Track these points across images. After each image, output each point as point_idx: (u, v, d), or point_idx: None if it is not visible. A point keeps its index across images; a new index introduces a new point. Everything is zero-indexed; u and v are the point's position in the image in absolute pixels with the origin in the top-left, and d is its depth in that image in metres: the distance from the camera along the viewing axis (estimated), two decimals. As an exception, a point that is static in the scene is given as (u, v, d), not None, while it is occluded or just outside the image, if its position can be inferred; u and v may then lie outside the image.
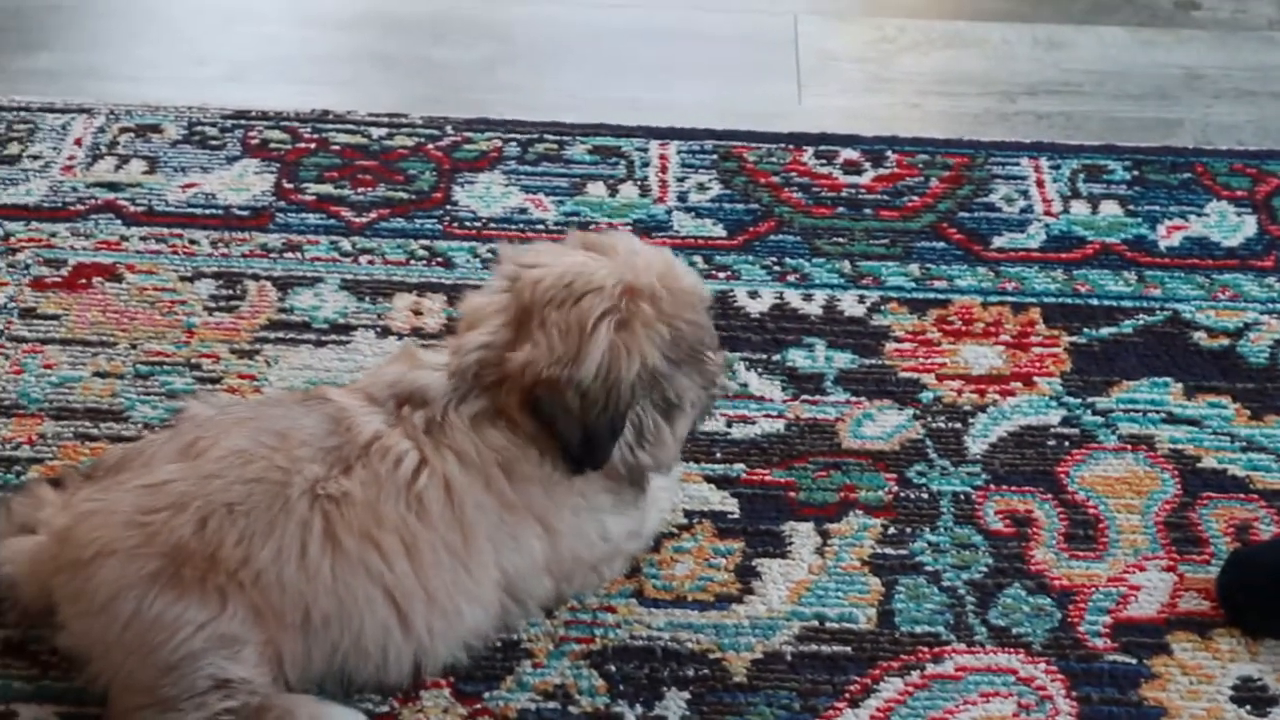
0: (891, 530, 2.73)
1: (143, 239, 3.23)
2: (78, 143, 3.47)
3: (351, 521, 2.29)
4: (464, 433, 2.37)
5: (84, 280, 3.12)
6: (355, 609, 2.30)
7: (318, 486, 2.29)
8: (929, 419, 2.92)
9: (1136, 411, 2.94)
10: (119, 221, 3.27)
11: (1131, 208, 3.40)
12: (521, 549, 2.42)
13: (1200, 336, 3.09)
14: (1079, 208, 3.40)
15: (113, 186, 3.36)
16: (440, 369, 2.42)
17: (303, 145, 3.49)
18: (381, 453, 2.34)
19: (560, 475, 2.41)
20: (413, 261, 3.20)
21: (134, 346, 2.99)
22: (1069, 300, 3.17)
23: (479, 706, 2.45)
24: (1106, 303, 3.16)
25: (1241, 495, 2.80)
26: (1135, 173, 3.49)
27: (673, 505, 2.72)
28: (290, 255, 3.21)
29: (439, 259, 3.21)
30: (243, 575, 2.25)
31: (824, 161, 3.50)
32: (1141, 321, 3.12)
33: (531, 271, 2.41)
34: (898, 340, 3.07)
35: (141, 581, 2.23)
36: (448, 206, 3.34)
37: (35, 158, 3.42)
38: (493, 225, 3.30)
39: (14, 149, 3.44)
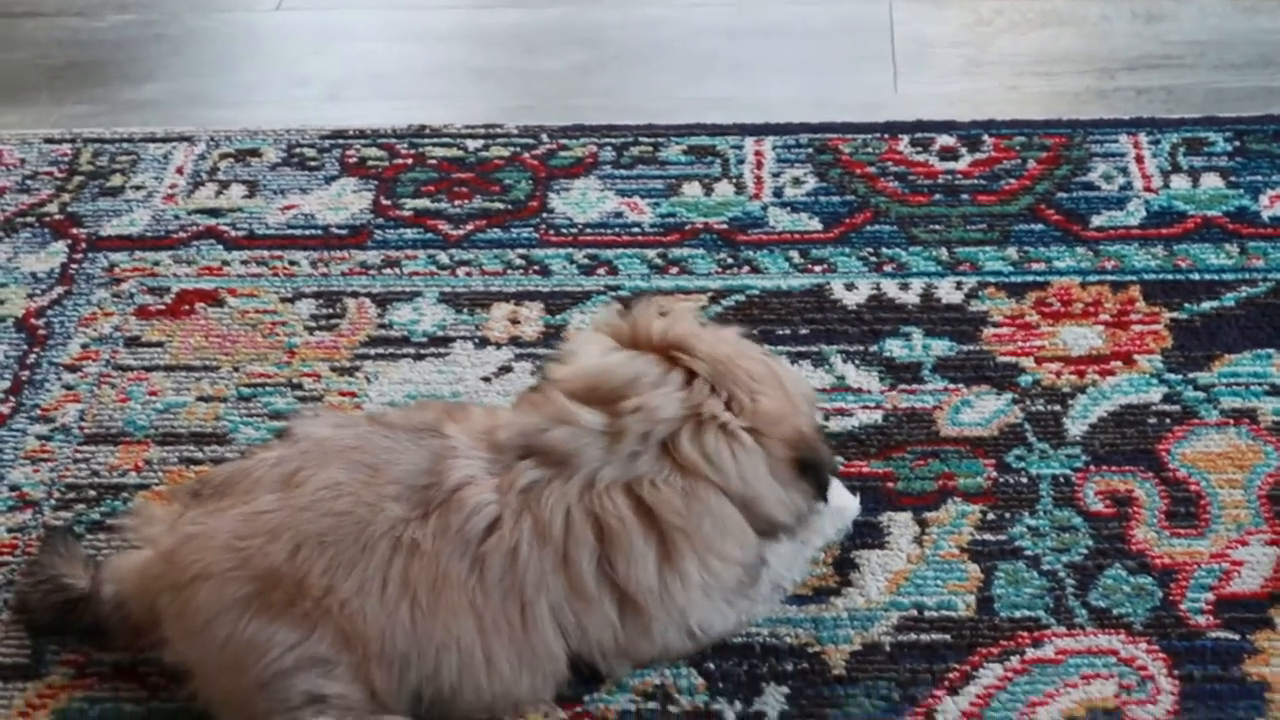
0: (990, 516, 2.71)
1: (243, 263, 3.28)
2: (179, 171, 3.53)
3: (421, 571, 2.30)
4: (612, 500, 2.35)
5: (187, 307, 3.18)
6: (429, 652, 2.32)
7: (396, 529, 2.31)
8: (1028, 403, 2.90)
9: (1239, 385, 2.91)
10: (220, 247, 3.32)
11: (1233, 179, 3.36)
12: (588, 638, 2.41)
13: (1304, 306, 3.05)
14: (1179, 182, 3.36)
15: (214, 212, 3.41)
16: (600, 431, 2.38)
17: (400, 161, 3.52)
18: (460, 504, 2.34)
19: (738, 538, 2.44)
20: (509, 271, 3.23)
21: (236, 369, 3.04)
22: (1169, 276, 3.13)
23: (579, 710, 2.46)
24: (1208, 277, 3.12)
25: (1345, 465, 2.76)
26: (1237, 143, 3.44)
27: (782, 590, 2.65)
28: (388, 271, 3.24)
29: (535, 267, 3.23)
30: (329, 602, 2.28)
31: (920, 149, 3.48)
32: (1244, 294, 3.08)
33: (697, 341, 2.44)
34: (995, 325, 3.05)
35: (236, 604, 2.28)
36: (544, 214, 3.37)
37: (138, 188, 3.48)
38: (589, 231, 3.32)
39: (117, 180, 3.51)
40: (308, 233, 3.35)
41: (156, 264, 3.29)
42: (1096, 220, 3.27)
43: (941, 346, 3.01)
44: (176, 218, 3.40)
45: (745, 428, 2.40)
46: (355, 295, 3.19)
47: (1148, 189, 3.34)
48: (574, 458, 2.36)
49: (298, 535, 2.30)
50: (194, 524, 2.37)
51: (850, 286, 3.15)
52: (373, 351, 3.07)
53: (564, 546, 2.33)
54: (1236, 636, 2.51)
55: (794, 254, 3.23)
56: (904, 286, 3.14)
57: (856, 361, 3.00)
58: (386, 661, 2.31)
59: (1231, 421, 2.84)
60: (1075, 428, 2.85)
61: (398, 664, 2.32)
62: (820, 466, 2.50)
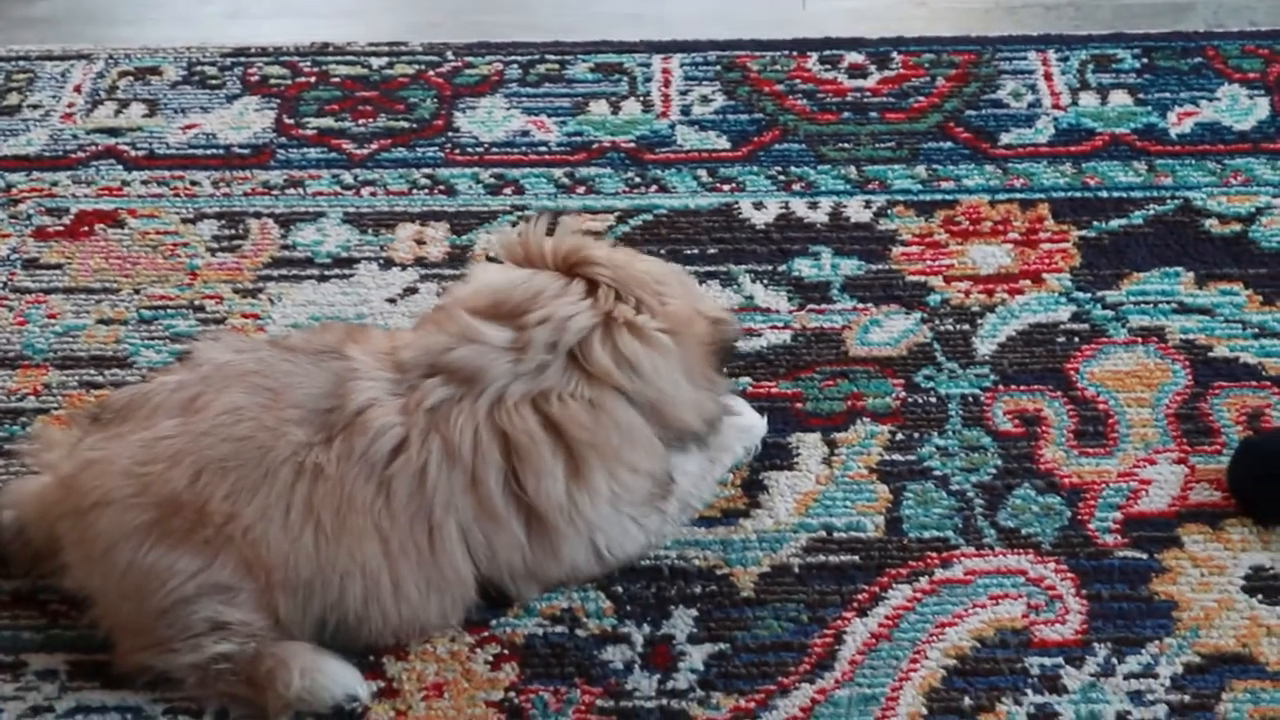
0: (899, 436, 2.71)
1: (144, 183, 3.23)
2: (77, 89, 3.46)
3: (325, 496, 2.28)
4: (520, 415, 2.32)
5: (86, 228, 3.12)
6: (334, 578, 2.30)
7: (299, 453, 2.29)
8: (937, 322, 2.89)
9: (1147, 303, 2.91)
10: (120, 167, 3.27)
11: (1141, 96, 3.35)
12: (497, 560, 2.39)
13: (1211, 224, 3.05)
14: (1088, 99, 3.35)
15: (113, 132, 3.35)
16: (505, 347, 2.35)
17: (302, 80, 3.47)
18: (364, 426, 2.31)
19: (646, 449, 2.42)
20: (415, 191, 3.19)
21: (137, 291, 3.00)
22: (1078, 194, 3.13)
23: (486, 634, 2.45)
24: (1116, 194, 3.12)
25: (1254, 383, 2.77)
26: (1145, 60, 3.44)
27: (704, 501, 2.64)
28: (292, 191, 3.20)
29: (441, 187, 3.20)
30: (231, 529, 2.26)
31: (828, 67, 3.46)
32: (1152, 211, 3.08)
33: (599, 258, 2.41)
34: (904, 244, 3.04)
35: (136, 531, 2.26)
36: (449, 133, 3.32)
37: (35, 107, 3.42)
38: (495, 150, 3.28)
39: (14, 99, 3.44)
40: (209, 152, 3.30)
41: (55, 184, 3.23)
42: (1005, 138, 3.26)
43: (850, 266, 3.00)
44: (75, 137, 3.34)
45: (660, 329, 2.38)
46: (258, 216, 3.14)
47: (1056, 106, 3.33)
48: (481, 374, 2.33)
49: (199, 461, 2.27)
50: (94, 449, 2.34)
51: (759, 205, 3.13)
52: (276, 273, 3.03)
53: (472, 466, 2.31)
54: (1144, 555, 2.52)
55: (702, 173, 3.20)
56: (813, 205, 3.13)
57: (765, 281, 2.98)
58: (290, 588, 2.30)
59: (1140, 340, 2.84)
60: (984, 347, 2.84)
61: (301, 591, 2.30)
62: (734, 346, 2.55)
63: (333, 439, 2.30)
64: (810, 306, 2.93)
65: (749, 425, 2.68)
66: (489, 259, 2.54)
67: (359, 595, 2.31)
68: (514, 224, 3.05)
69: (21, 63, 3.54)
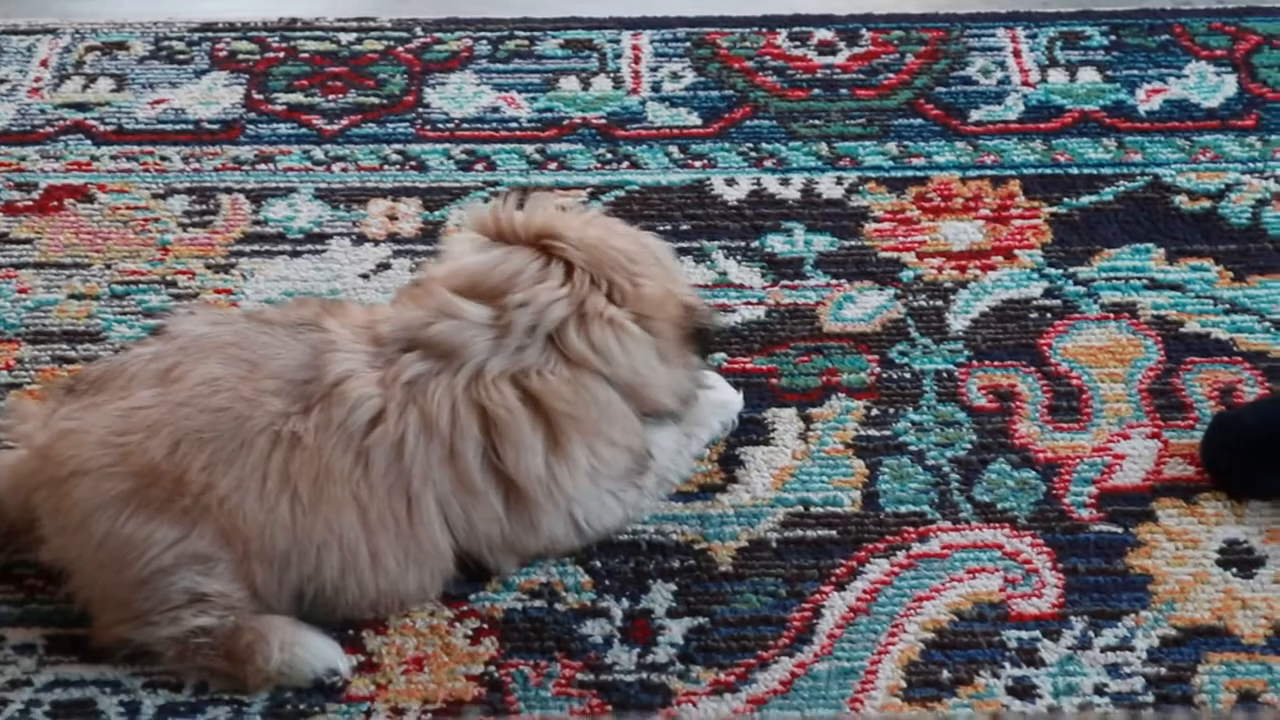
0: (875, 412, 2.72)
1: (113, 158, 3.21)
2: (44, 64, 3.44)
3: (303, 466, 2.28)
4: (499, 390, 2.33)
5: (56, 203, 3.11)
6: (311, 549, 2.30)
7: (276, 424, 2.28)
8: (910, 298, 2.90)
9: (1119, 279, 2.92)
10: (89, 142, 3.25)
11: (1110, 73, 3.37)
12: (475, 532, 2.40)
13: (1181, 200, 3.07)
14: (1057, 76, 3.36)
15: (81, 107, 3.33)
16: (484, 324, 2.35)
17: (271, 55, 3.46)
18: (342, 397, 2.31)
19: (624, 424, 2.43)
20: (386, 167, 3.18)
21: (108, 267, 2.98)
22: (1048, 170, 3.14)
23: (465, 608, 2.45)
24: (1086, 171, 3.14)
25: (1225, 358, 2.79)
26: (1113, 37, 3.45)
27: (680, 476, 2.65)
28: (262, 167, 3.19)
29: (412, 163, 3.19)
30: (208, 499, 2.25)
31: (798, 43, 3.46)
32: (1122, 188, 3.09)
33: (571, 233, 2.41)
34: (877, 220, 3.05)
35: (114, 500, 2.25)
36: (420, 109, 3.32)
37: (1, 81, 3.39)
38: (466, 126, 3.28)
39: (-20, 73, 3.42)
40: (178, 127, 3.28)
41: (23, 159, 3.21)
42: (975, 115, 3.27)
43: (823, 242, 3.01)
44: (43, 112, 3.32)
45: (632, 317, 2.38)
46: (229, 191, 3.13)
47: (1025, 83, 3.34)
48: (460, 350, 2.33)
49: (176, 431, 2.26)
50: (70, 419, 2.33)
51: (731, 182, 3.13)
52: (248, 248, 3.02)
53: (450, 439, 2.32)
54: (1119, 529, 2.54)
55: (673, 149, 3.21)
56: (784, 182, 3.13)
57: (738, 257, 2.98)
58: (267, 559, 2.29)
59: (1112, 316, 2.86)
60: (957, 323, 2.85)
61: (278, 562, 2.30)
62: (709, 331, 2.52)
63: (310, 409, 2.30)
64: (784, 283, 2.93)
65: (725, 401, 2.68)
66: (460, 232, 2.53)
67: (336, 566, 2.31)
68: (486, 200, 3.05)
69: (-13, 37, 3.52)
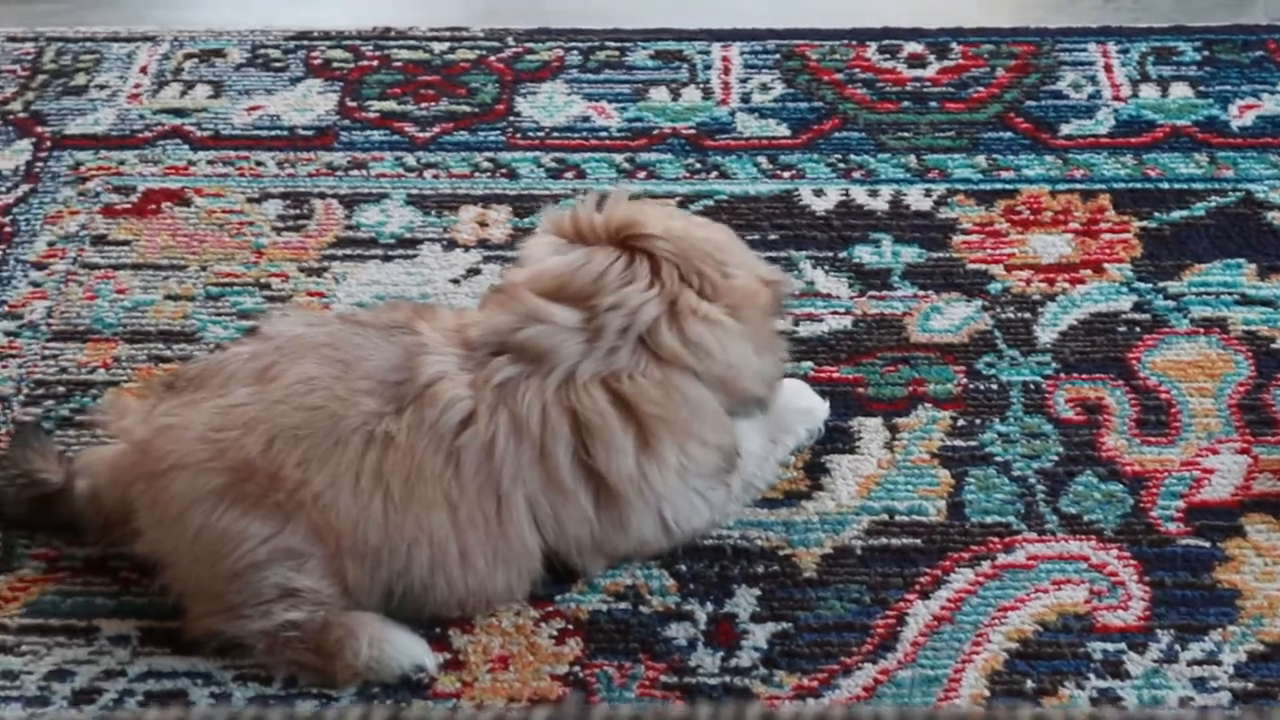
0: (961, 422, 2.72)
1: (210, 163, 3.25)
2: (143, 70, 3.48)
3: (395, 465, 2.30)
4: (590, 395, 2.35)
5: (153, 206, 3.15)
6: (401, 546, 2.33)
7: (369, 423, 2.31)
8: (997, 310, 2.90)
9: (1209, 294, 2.92)
10: (186, 146, 3.29)
11: (1202, 89, 3.35)
12: (564, 533, 2.41)
13: (1274, 216, 3.05)
14: (1148, 91, 3.35)
15: (179, 112, 3.37)
16: (574, 327, 2.37)
17: (365, 63, 3.49)
18: (434, 398, 2.33)
19: (714, 423, 2.44)
20: (477, 174, 3.21)
21: (204, 269, 3.02)
22: (1139, 185, 3.13)
23: (551, 609, 2.47)
24: (1177, 186, 3.13)
25: (1316, 375, 2.78)
26: (1206, 53, 3.44)
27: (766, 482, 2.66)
28: (355, 173, 3.22)
29: (503, 170, 3.21)
30: (302, 495, 2.28)
31: (888, 56, 3.47)
32: (1214, 203, 3.08)
33: (655, 230, 2.41)
34: (965, 232, 3.05)
35: (210, 495, 2.28)
36: (511, 118, 3.34)
37: (102, 87, 3.44)
38: (556, 134, 3.30)
39: (81, 79, 3.46)
40: (273, 133, 3.32)
41: (122, 163, 3.25)
42: (1065, 129, 3.27)
43: (911, 253, 3.01)
44: (141, 117, 3.36)
45: (725, 310, 2.40)
46: (322, 196, 3.17)
47: (1116, 98, 3.34)
48: (551, 354, 2.35)
49: (272, 428, 2.29)
50: (169, 415, 2.36)
51: (819, 193, 3.14)
52: (340, 252, 3.05)
53: (541, 439, 2.33)
54: (1207, 544, 2.53)
55: (762, 160, 3.22)
56: (873, 193, 3.14)
57: (826, 267, 2.99)
58: (358, 555, 2.32)
59: (1202, 330, 2.85)
60: (1045, 335, 2.85)
61: (369, 558, 2.33)
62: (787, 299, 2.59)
63: (403, 410, 2.32)
64: (871, 293, 2.94)
65: (810, 408, 2.70)
66: (537, 236, 2.54)
67: (425, 564, 2.34)
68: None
69: (88, 44, 3.56)
